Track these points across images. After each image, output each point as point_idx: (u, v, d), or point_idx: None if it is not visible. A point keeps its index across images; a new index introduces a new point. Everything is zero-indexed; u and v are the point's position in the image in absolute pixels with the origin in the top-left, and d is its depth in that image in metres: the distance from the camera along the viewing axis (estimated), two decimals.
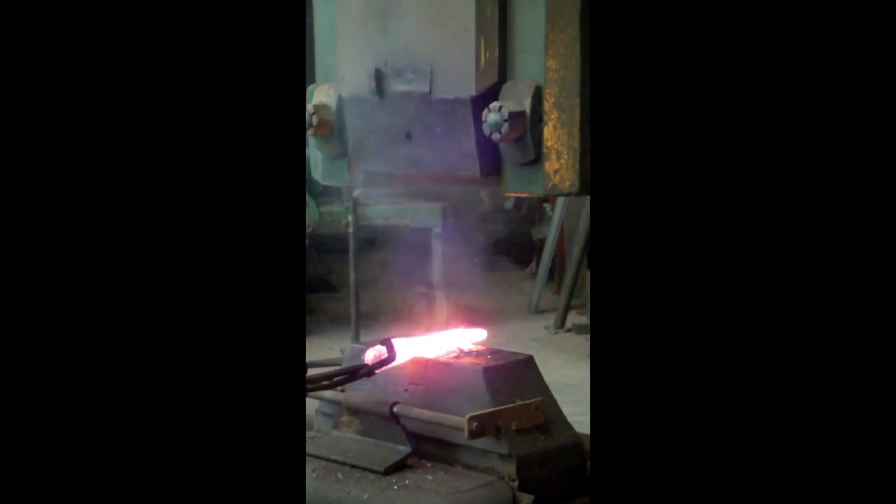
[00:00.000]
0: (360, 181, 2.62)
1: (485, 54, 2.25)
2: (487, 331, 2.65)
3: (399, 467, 2.34)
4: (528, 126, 2.21)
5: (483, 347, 2.58)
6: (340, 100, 2.51)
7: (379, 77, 2.40)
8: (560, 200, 8.29)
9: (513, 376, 2.43)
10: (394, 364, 2.40)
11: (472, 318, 2.93)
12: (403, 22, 2.37)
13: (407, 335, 2.50)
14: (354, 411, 2.49)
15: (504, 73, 2.27)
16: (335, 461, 2.40)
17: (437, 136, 2.34)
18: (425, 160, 2.40)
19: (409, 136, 2.40)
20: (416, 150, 2.39)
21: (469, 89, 2.26)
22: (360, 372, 2.36)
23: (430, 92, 2.32)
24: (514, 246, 11.02)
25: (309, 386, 2.29)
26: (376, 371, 2.37)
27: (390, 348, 2.35)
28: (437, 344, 2.53)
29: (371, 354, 2.36)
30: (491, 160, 2.31)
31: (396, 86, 2.38)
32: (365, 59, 2.43)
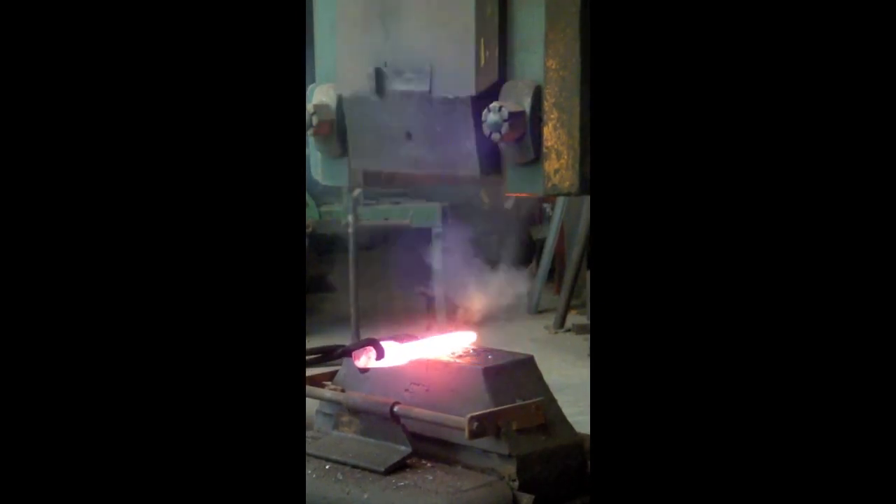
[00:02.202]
0: (360, 181, 2.62)
1: (484, 54, 2.25)
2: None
3: (399, 467, 2.34)
4: (528, 126, 2.21)
5: (483, 348, 2.58)
6: (340, 99, 2.51)
7: (379, 77, 2.40)
8: (560, 200, 8.29)
9: (513, 376, 2.43)
10: (386, 364, 2.41)
11: (473, 318, 2.93)
12: (403, 22, 2.37)
13: (398, 336, 2.50)
14: (355, 411, 2.49)
15: (504, 73, 2.27)
16: (335, 461, 2.40)
17: (437, 135, 2.34)
18: (425, 159, 2.39)
19: (409, 136, 2.40)
20: (416, 149, 2.39)
21: (469, 89, 2.26)
22: (335, 353, 2.36)
23: (429, 91, 2.32)
24: (513, 246, 11.01)
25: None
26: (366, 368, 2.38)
27: (378, 348, 2.36)
28: (426, 348, 2.53)
29: (363, 359, 2.37)
30: (490, 159, 2.30)
31: (396, 85, 2.38)
32: (365, 59, 2.43)
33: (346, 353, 2.36)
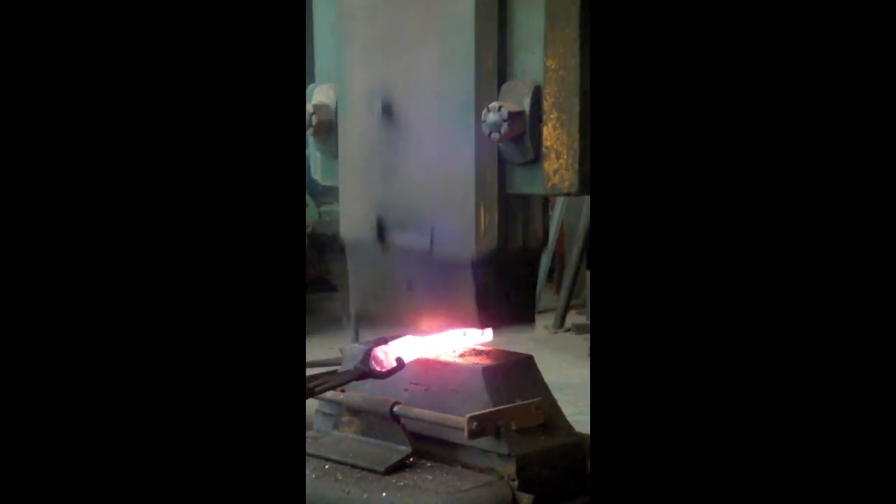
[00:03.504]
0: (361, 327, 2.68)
1: (485, 219, 2.27)
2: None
3: (399, 467, 2.34)
4: (528, 126, 2.21)
5: (483, 347, 2.58)
6: (345, 243, 2.55)
7: (381, 226, 2.43)
8: (560, 200, 8.29)
9: (512, 376, 2.43)
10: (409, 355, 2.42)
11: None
12: (404, 178, 2.40)
13: (412, 334, 2.51)
14: (354, 411, 2.49)
15: (504, 73, 2.28)
16: (335, 461, 2.40)
17: (438, 292, 2.39)
18: (425, 311, 2.45)
19: (409, 288, 2.43)
20: (417, 301, 2.44)
21: (468, 253, 2.30)
22: (366, 376, 2.37)
23: (430, 251, 2.36)
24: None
25: (317, 388, 2.29)
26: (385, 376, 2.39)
27: (399, 360, 2.37)
28: (443, 343, 2.53)
29: (381, 354, 2.36)
30: (490, 315, 2.38)
31: (398, 237, 2.42)
32: (366, 205, 2.46)
33: (365, 374, 2.36)
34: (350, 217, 2.52)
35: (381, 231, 2.43)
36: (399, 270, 2.44)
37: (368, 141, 2.45)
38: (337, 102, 2.56)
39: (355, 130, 2.49)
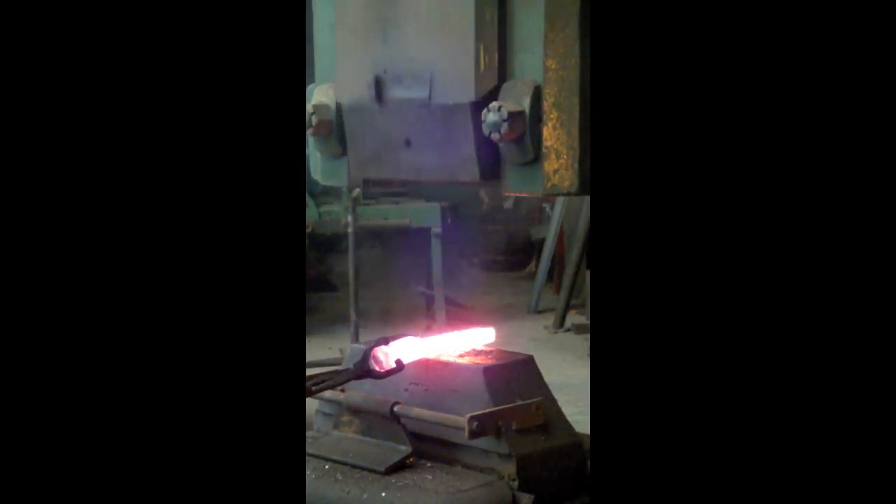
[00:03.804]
0: (359, 180, 2.63)
1: (484, 59, 2.25)
2: None
3: (399, 467, 2.34)
4: (528, 126, 2.21)
5: (483, 347, 2.58)
6: (340, 107, 2.50)
7: (378, 85, 2.40)
8: (559, 200, 8.29)
9: (513, 376, 2.43)
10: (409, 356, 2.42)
11: (472, 318, 2.94)
12: (402, 30, 2.37)
13: (414, 334, 2.51)
14: (355, 411, 2.49)
15: (503, 75, 2.27)
16: (335, 461, 2.40)
17: (437, 141, 2.35)
18: (425, 166, 2.40)
19: (408, 143, 2.40)
20: (416, 156, 2.40)
21: (469, 94, 2.26)
22: (365, 375, 2.36)
23: (429, 98, 2.32)
24: (513, 246, 11.03)
25: (314, 387, 2.29)
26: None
27: (399, 362, 2.36)
28: (446, 344, 2.53)
29: (381, 355, 2.36)
30: (490, 163, 2.31)
31: (396, 93, 2.39)
32: (364, 67, 2.43)
33: (364, 373, 2.35)
34: (348, 80, 2.49)
35: (378, 90, 2.41)
36: (398, 126, 2.41)
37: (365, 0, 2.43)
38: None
39: None
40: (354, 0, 2.48)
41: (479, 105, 2.24)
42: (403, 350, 2.40)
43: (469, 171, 2.33)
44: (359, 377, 2.37)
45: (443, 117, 2.31)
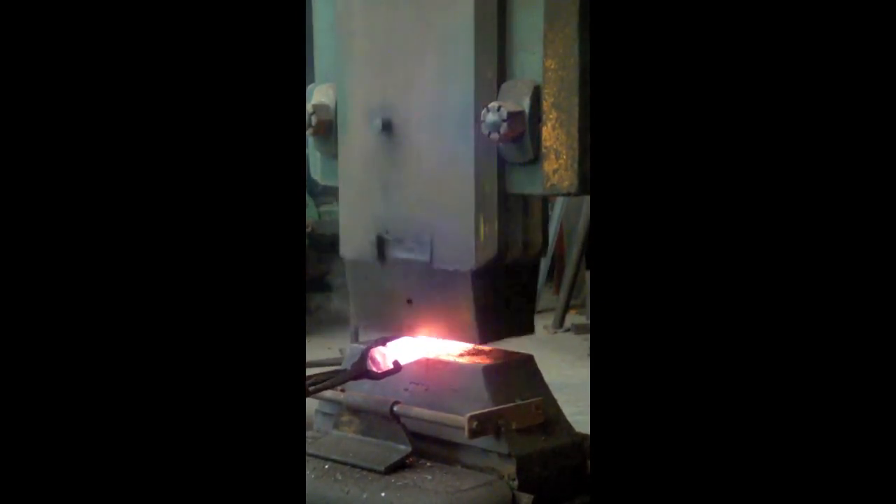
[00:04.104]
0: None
1: (484, 229, 2.29)
2: None
3: (399, 467, 2.34)
4: (527, 126, 2.21)
5: (483, 347, 2.58)
6: (345, 262, 2.57)
7: (380, 244, 2.45)
8: (559, 200, 8.29)
9: (513, 376, 2.43)
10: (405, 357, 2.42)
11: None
12: (404, 192, 2.42)
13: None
14: (355, 411, 2.49)
15: (503, 73, 2.28)
16: (335, 461, 2.40)
17: (438, 303, 2.40)
18: (426, 325, 2.45)
19: (409, 302, 2.45)
20: (417, 314, 2.45)
21: (469, 263, 2.31)
22: (362, 375, 2.37)
23: (430, 262, 2.36)
24: None
25: (311, 387, 2.29)
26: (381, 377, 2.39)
27: (396, 363, 2.37)
28: (442, 344, 2.53)
29: (378, 355, 2.37)
30: (490, 328, 2.38)
31: (397, 253, 2.43)
32: (367, 225, 2.48)
33: (361, 374, 2.36)
34: (350, 236, 2.54)
35: (381, 249, 2.45)
36: (399, 285, 2.46)
37: (368, 158, 2.47)
38: (336, 118, 2.57)
39: (355, 148, 2.51)
40: (356, 160, 2.51)
41: (480, 273, 2.30)
42: (401, 351, 2.40)
43: (469, 334, 2.40)
44: (356, 378, 2.37)
45: (443, 282, 2.36)
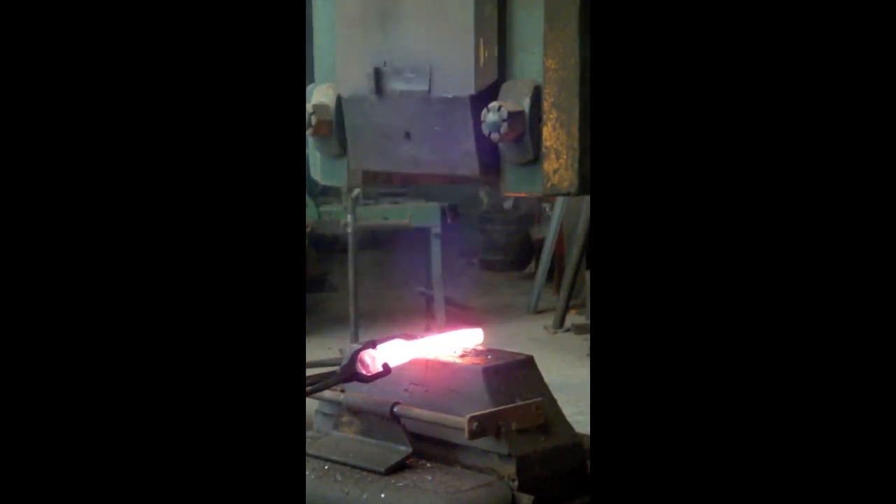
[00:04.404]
0: (359, 180, 2.62)
1: (484, 53, 2.25)
2: (486, 331, 2.65)
3: (399, 468, 2.34)
4: (528, 126, 2.21)
5: (483, 347, 2.58)
6: (340, 100, 2.50)
7: (378, 76, 2.40)
8: (559, 200, 8.30)
9: (512, 376, 2.43)
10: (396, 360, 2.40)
11: (471, 318, 2.94)
12: (402, 22, 2.37)
13: (404, 335, 2.50)
14: (355, 411, 2.49)
15: (503, 72, 2.27)
16: (335, 461, 2.40)
17: (437, 134, 2.34)
18: (424, 159, 2.39)
19: (408, 136, 2.40)
20: (416, 148, 2.39)
21: (468, 88, 2.26)
22: (351, 378, 2.36)
23: (429, 91, 2.32)
24: (513, 246, 11.03)
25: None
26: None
27: (386, 365, 2.35)
28: (434, 346, 2.53)
29: (368, 358, 2.35)
30: (490, 158, 2.30)
31: (395, 85, 2.38)
32: (364, 59, 2.43)
33: (350, 377, 2.35)
34: (348, 72, 2.49)
35: (378, 82, 2.41)
36: (397, 119, 2.40)
37: None
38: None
39: None
40: None
41: (479, 99, 2.24)
42: (391, 353, 2.38)
43: (468, 165, 2.32)
44: (345, 381, 2.37)
45: (442, 111, 2.31)
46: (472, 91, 2.25)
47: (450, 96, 2.29)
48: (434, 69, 2.31)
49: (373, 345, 2.37)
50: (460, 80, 2.27)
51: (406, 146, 2.40)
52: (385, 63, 2.39)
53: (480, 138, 2.25)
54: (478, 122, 2.23)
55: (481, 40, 2.25)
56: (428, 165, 2.41)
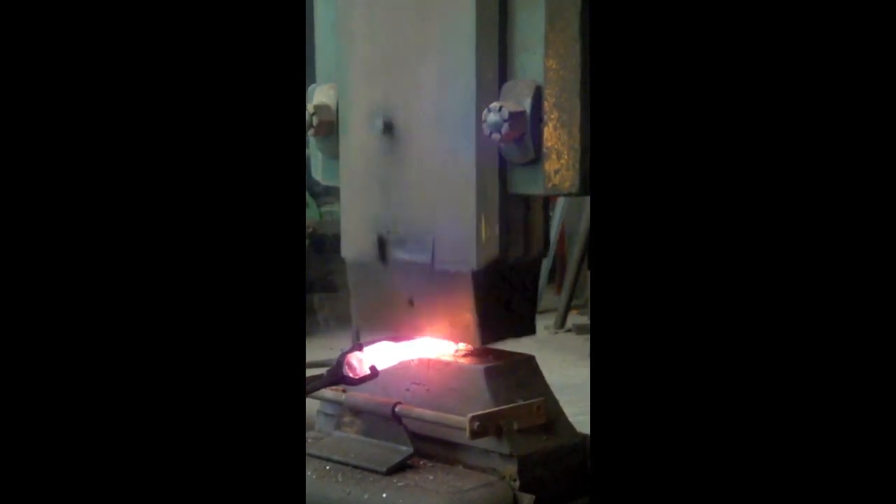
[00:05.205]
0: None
1: (486, 230, 2.29)
2: None
3: (401, 468, 2.34)
4: (528, 126, 2.21)
5: (484, 347, 2.57)
6: (346, 263, 2.56)
7: (382, 244, 2.45)
8: (560, 200, 8.29)
9: (514, 376, 2.43)
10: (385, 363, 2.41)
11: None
12: (406, 191, 2.41)
13: (391, 337, 2.50)
14: (356, 412, 2.49)
15: (504, 73, 2.27)
16: (337, 461, 2.40)
17: (439, 305, 2.40)
18: (426, 326, 2.45)
19: (411, 303, 2.44)
20: (419, 316, 2.45)
21: (470, 264, 2.31)
22: (338, 381, 2.36)
23: (431, 263, 2.36)
24: None
25: None
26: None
27: (373, 368, 2.36)
28: (421, 347, 2.52)
29: (355, 361, 2.35)
30: (491, 329, 2.38)
31: (399, 254, 2.43)
32: (368, 225, 2.48)
33: (337, 379, 2.35)
34: (352, 237, 2.54)
35: (382, 249, 2.45)
36: (401, 286, 2.45)
37: (369, 159, 2.46)
38: (337, 119, 2.57)
39: (356, 149, 2.51)
40: (357, 161, 2.51)
41: (482, 274, 2.29)
42: (378, 356, 2.38)
43: (470, 336, 2.39)
44: (332, 384, 2.37)
45: (445, 282, 2.36)
46: (475, 267, 2.30)
47: (452, 270, 2.33)
48: (437, 242, 2.36)
49: (360, 347, 2.37)
50: (462, 256, 2.32)
51: (409, 313, 2.46)
52: (389, 231, 2.44)
53: (482, 311, 2.33)
54: (479, 296, 2.31)
55: (483, 218, 2.29)
56: (430, 333, 2.47)
